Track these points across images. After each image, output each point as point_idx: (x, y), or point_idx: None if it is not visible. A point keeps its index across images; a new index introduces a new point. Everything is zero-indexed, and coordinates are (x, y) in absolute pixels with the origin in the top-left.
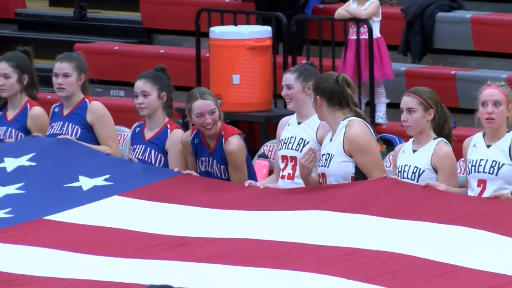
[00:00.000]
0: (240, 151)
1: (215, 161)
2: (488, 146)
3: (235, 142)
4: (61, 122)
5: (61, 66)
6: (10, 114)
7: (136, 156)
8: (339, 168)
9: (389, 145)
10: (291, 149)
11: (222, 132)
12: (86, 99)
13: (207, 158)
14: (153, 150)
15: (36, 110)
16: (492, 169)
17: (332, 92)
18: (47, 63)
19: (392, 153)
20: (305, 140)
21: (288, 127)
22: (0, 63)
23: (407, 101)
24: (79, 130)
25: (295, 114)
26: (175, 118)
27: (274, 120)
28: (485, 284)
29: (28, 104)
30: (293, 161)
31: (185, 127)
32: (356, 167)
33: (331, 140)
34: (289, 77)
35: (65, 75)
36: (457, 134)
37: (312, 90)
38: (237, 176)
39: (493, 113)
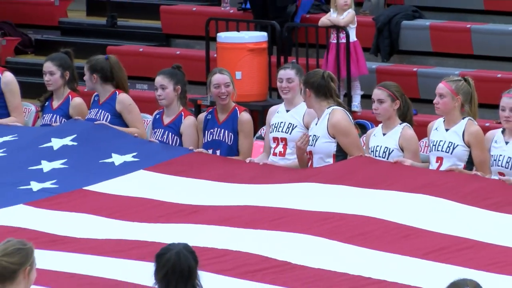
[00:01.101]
0: (250, 122)
1: (226, 131)
2: (447, 130)
3: (247, 115)
4: (97, 109)
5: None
6: (55, 103)
7: (156, 138)
8: (324, 147)
9: (362, 129)
10: (281, 131)
11: (236, 108)
12: (116, 91)
13: (216, 129)
14: (170, 133)
15: (77, 100)
16: (448, 148)
17: (319, 86)
18: (82, 61)
19: (364, 135)
20: (293, 124)
21: (278, 114)
22: (46, 62)
23: (378, 93)
24: (109, 116)
25: (283, 103)
26: (188, 107)
27: (269, 108)
28: (441, 244)
29: (70, 95)
30: (283, 142)
31: (196, 114)
32: (338, 146)
33: (316, 124)
34: (289, 73)
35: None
36: (418, 120)
37: (302, 83)
38: (246, 142)
39: (437, 103)
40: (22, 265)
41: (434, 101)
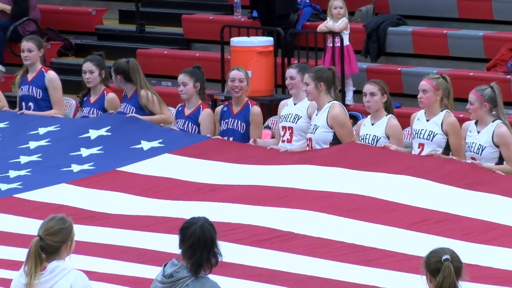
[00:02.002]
0: (260, 114)
1: (239, 121)
2: (427, 120)
3: (257, 109)
4: (125, 104)
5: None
6: (92, 98)
7: (178, 127)
8: (322, 135)
9: (354, 120)
10: (289, 121)
11: (249, 102)
12: (105, 91)
13: (230, 119)
14: (190, 123)
15: (111, 95)
16: (429, 136)
17: (329, 80)
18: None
19: (355, 126)
20: (299, 115)
21: (287, 107)
22: (86, 63)
23: (370, 87)
24: (134, 110)
25: (292, 98)
26: (206, 101)
27: (275, 102)
28: (422, 217)
29: (105, 91)
30: (290, 130)
31: (213, 107)
32: (334, 135)
33: (316, 115)
34: (292, 71)
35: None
36: (402, 112)
37: (314, 78)
38: (256, 131)
39: (422, 98)
40: (64, 242)
41: (419, 96)
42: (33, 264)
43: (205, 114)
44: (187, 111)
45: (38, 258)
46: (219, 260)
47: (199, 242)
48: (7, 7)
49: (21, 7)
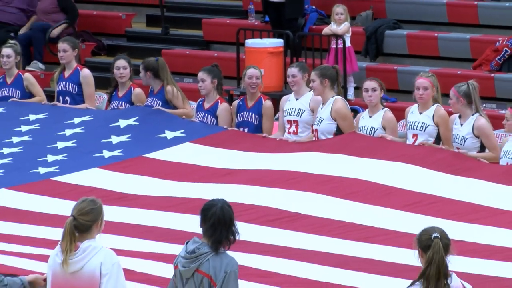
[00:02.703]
0: (272, 108)
1: (253, 114)
2: (420, 113)
3: (269, 103)
4: (152, 98)
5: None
6: (120, 93)
7: (198, 119)
8: (327, 127)
9: (355, 112)
10: (293, 115)
11: (261, 97)
12: (132, 87)
13: (245, 112)
14: (209, 116)
15: (138, 90)
16: (422, 127)
17: (333, 77)
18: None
19: (355, 118)
20: (302, 109)
21: (289, 102)
22: (119, 60)
23: (372, 83)
24: (161, 103)
25: (293, 93)
26: (224, 95)
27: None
28: (415, 199)
29: (132, 86)
30: (295, 123)
31: (229, 101)
32: (337, 127)
33: (321, 108)
34: (294, 70)
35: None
36: (398, 106)
37: (319, 75)
38: (268, 123)
39: (423, 94)
40: (94, 221)
41: (420, 93)
42: (68, 242)
43: (223, 107)
44: (207, 105)
45: (73, 236)
46: (237, 238)
47: (220, 222)
48: (64, 26)
49: (73, 15)
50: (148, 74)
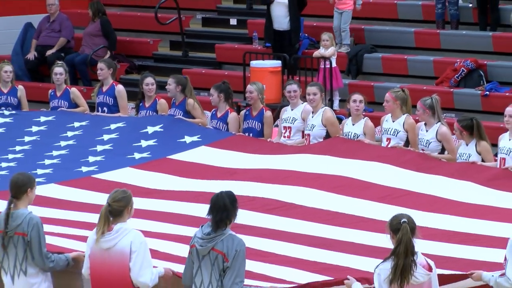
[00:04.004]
0: (271, 117)
1: (256, 122)
2: (393, 121)
3: (269, 112)
4: (174, 108)
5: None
6: (146, 104)
7: (212, 126)
8: (318, 132)
9: (339, 120)
10: (288, 122)
11: (263, 108)
12: (185, 98)
13: (250, 120)
14: (221, 123)
15: (162, 101)
16: (394, 133)
17: (324, 91)
18: (166, 78)
19: (340, 125)
20: (295, 118)
21: (286, 112)
22: (148, 78)
23: (360, 97)
24: (182, 113)
25: (290, 105)
26: (234, 106)
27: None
28: (388, 193)
29: (156, 98)
30: (289, 129)
31: (237, 111)
32: (327, 132)
33: (312, 117)
34: (295, 87)
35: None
36: (374, 115)
37: (320, 90)
38: (268, 129)
39: (386, 105)
40: (125, 207)
41: (383, 104)
42: (102, 224)
43: (232, 116)
44: (219, 114)
45: (107, 219)
46: (233, 221)
47: (214, 207)
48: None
49: (113, 40)
50: (178, 87)
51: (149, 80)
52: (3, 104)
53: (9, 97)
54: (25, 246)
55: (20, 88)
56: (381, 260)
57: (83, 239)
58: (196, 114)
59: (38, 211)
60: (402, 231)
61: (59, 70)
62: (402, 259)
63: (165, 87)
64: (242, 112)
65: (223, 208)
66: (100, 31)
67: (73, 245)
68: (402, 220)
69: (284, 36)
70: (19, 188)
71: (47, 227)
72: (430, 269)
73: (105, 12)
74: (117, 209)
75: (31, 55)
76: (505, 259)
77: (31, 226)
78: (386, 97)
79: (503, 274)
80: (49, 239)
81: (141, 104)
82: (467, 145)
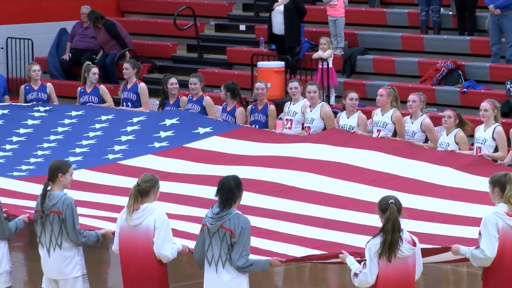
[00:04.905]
0: (275, 110)
1: (261, 115)
2: (383, 115)
3: (273, 107)
4: (192, 103)
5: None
6: (170, 101)
7: (222, 119)
8: (317, 125)
9: (335, 114)
10: (289, 115)
11: (267, 102)
12: (203, 95)
13: (256, 114)
14: (229, 116)
15: (184, 98)
16: (383, 125)
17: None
18: (183, 77)
19: (336, 118)
20: (296, 112)
21: (288, 106)
22: (172, 78)
23: (356, 95)
24: (200, 108)
25: (292, 100)
26: (243, 102)
27: (284, 103)
28: (378, 177)
29: (179, 96)
30: (290, 122)
31: (246, 106)
32: (324, 125)
33: (311, 111)
34: (296, 84)
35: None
36: (365, 109)
37: (319, 88)
38: (272, 122)
39: (380, 99)
40: (152, 188)
41: (377, 98)
42: (132, 201)
43: (239, 111)
44: (228, 108)
45: (136, 198)
46: (237, 202)
47: (220, 188)
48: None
49: (123, 40)
50: (227, 94)
51: (173, 80)
52: (34, 99)
53: (39, 93)
54: (60, 223)
55: (49, 85)
56: (371, 237)
57: (111, 219)
58: (211, 110)
59: (71, 193)
60: (390, 211)
61: (95, 70)
62: (390, 235)
63: (219, 93)
64: (249, 107)
65: (229, 189)
66: (109, 36)
67: (102, 224)
68: (390, 201)
69: (281, 39)
70: (53, 172)
71: (79, 209)
72: (414, 244)
73: (104, 16)
74: (144, 189)
75: (66, 56)
76: (480, 234)
77: (65, 205)
78: (381, 92)
79: (477, 247)
80: (81, 219)
81: (165, 102)
82: (447, 135)
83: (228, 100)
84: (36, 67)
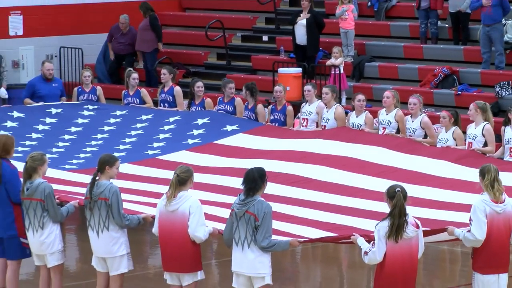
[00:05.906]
0: (292, 111)
1: (281, 114)
2: (387, 114)
3: (291, 107)
4: (224, 104)
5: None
6: (196, 102)
7: (246, 117)
8: (331, 124)
9: (346, 113)
10: (306, 115)
11: (286, 103)
12: (234, 97)
13: (276, 113)
14: (250, 113)
15: (208, 100)
16: (388, 123)
17: (337, 92)
18: (214, 82)
19: (346, 117)
20: (311, 112)
21: (304, 107)
22: (198, 82)
23: (363, 97)
24: (232, 108)
25: (307, 102)
26: (263, 103)
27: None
28: (382, 169)
29: (204, 97)
30: (306, 120)
31: (267, 106)
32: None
33: (327, 111)
34: (310, 87)
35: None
36: (372, 110)
37: (331, 91)
38: (290, 120)
39: (386, 101)
40: (189, 177)
41: (384, 100)
42: (173, 189)
43: (259, 107)
44: (249, 106)
45: (177, 186)
46: (261, 191)
47: (245, 179)
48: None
49: (159, 33)
50: (247, 93)
51: (199, 83)
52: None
53: (90, 95)
54: (107, 208)
55: (99, 88)
56: (380, 220)
57: (150, 205)
58: (240, 109)
59: (116, 182)
60: (397, 197)
61: (136, 75)
62: (397, 219)
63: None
64: (270, 107)
65: (252, 180)
66: (149, 26)
67: (143, 209)
68: (397, 189)
69: (303, 49)
70: (101, 165)
71: (123, 195)
72: (417, 227)
73: (153, 9)
74: (183, 178)
75: (112, 56)
76: (470, 219)
77: (111, 193)
78: (387, 94)
79: (469, 231)
80: (124, 205)
81: (192, 102)
82: (446, 132)
83: (248, 99)
84: (87, 73)
